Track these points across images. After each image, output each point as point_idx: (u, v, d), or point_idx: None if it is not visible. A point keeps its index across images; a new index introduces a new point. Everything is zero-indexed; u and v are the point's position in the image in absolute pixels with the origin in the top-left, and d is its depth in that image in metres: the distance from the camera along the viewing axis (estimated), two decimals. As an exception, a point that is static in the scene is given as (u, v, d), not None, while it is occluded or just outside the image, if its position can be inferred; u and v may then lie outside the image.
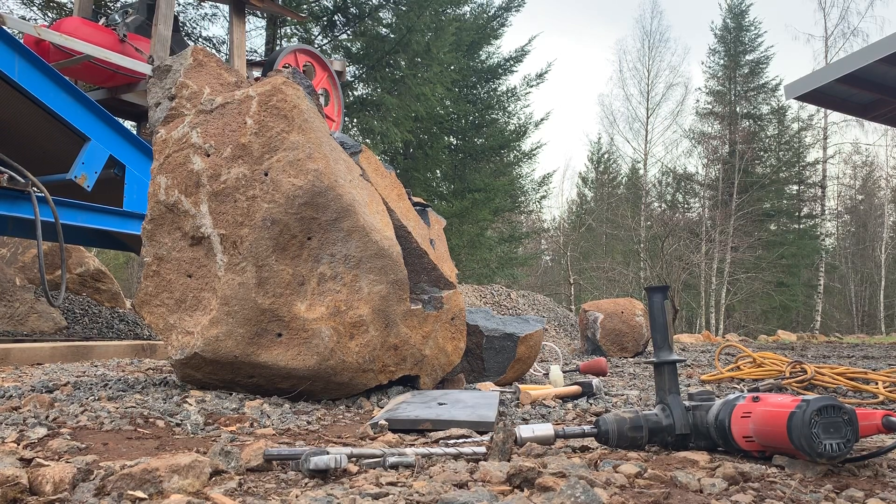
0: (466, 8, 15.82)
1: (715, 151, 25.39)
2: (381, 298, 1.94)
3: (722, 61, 26.67)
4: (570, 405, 2.02)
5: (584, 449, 1.35)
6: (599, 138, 36.68)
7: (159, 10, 4.58)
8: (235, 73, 2.10)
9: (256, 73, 5.98)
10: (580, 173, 34.35)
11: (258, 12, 10.68)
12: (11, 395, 1.88)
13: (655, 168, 27.45)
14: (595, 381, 2.23)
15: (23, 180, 3.37)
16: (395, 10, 11.98)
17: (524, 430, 1.31)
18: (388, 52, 11.54)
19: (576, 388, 2.18)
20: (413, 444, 1.39)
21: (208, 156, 1.90)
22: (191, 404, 1.71)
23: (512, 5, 16.29)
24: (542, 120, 17.26)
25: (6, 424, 1.39)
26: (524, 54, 16.50)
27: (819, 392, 2.58)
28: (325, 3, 11.72)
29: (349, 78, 11.56)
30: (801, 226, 26.84)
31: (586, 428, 1.33)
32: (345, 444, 1.37)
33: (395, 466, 1.15)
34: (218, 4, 10.49)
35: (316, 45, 11.38)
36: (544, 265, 30.97)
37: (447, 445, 1.33)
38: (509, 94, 16.67)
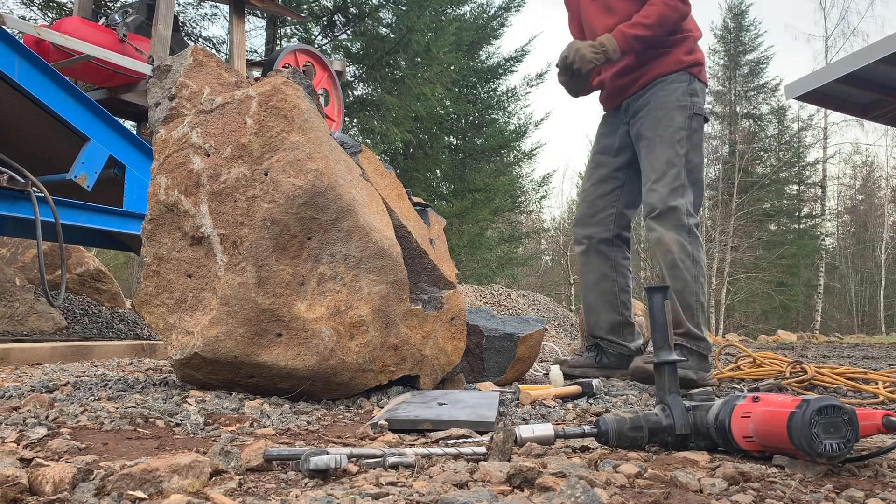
0: (466, 8, 15.81)
1: (715, 151, 25.40)
2: (381, 298, 1.94)
3: (722, 61, 26.67)
4: (570, 405, 2.02)
5: (584, 449, 1.35)
6: (599, 138, 36.58)
7: (159, 10, 4.59)
8: (235, 73, 2.10)
9: (256, 73, 5.98)
10: (580, 173, 34.29)
11: (258, 12, 10.68)
12: (11, 395, 1.88)
13: (655, 168, 27.39)
14: (595, 381, 2.23)
15: (23, 180, 3.37)
16: (395, 10, 11.98)
17: (524, 430, 1.31)
18: (388, 52, 11.54)
19: (576, 388, 2.18)
20: (413, 444, 1.39)
21: (208, 156, 1.90)
22: (191, 404, 1.71)
23: (512, 5, 16.28)
24: (542, 120, 17.26)
25: (6, 424, 1.39)
26: (524, 54, 16.49)
27: (819, 392, 2.58)
28: (325, 3, 11.72)
29: (349, 78, 11.56)
30: (801, 226, 26.85)
31: (586, 428, 1.33)
32: (345, 444, 1.37)
33: (395, 466, 1.15)
34: (218, 4, 10.49)
35: (316, 45, 11.37)
36: (544, 265, 30.97)
37: (447, 445, 1.32)
38: (509, 94, 16.67)
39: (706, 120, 2.67)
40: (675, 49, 2.65)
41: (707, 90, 2.81)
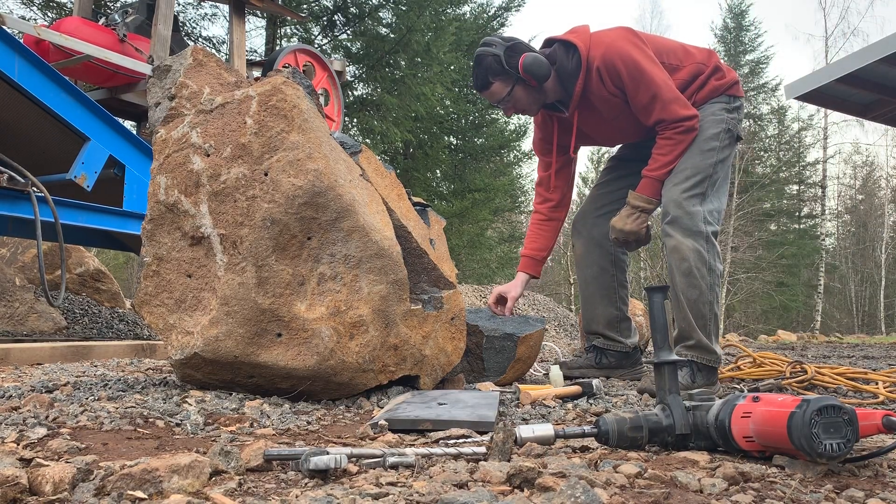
0: (466, 8, 15.82)
1: (715, 151, 25.32)
2: (381, 298, 1.94)
3: (722, 61, 26.67)
4: (570, 405, 2.02)
5: (584, 449, 1.35)
6: (599, 138, 36.59)
7: (159, 10, 4.59)
8: (235, 72, 2.10)
9: (256, 73, 5.98)
10: (580, 173, 34.29)
11: (258, 12, 10.68)
12: (11, 395, 1.88)
13: (655, 168, 27.38)
14: (595, 381, 2.23)
15: (23, 180, 3.37)
16: (395, 9, 11.97)
17: (524, 430, 1.31)
18: (388, 52, 11.54)
19: (576, 388, 2.18)
20: (413, 444, 1.39)
21: (208, 156, 1.90)
22: (191, 404, 1.71)
23: (512, 5, 16.28)
24: (542, 120, 17.22)
25: (6, 424, 1.39)
26: (524, 54, 16.44)
27: (819, 392, 2.58)
28: (325, 3, 11.73)
29: (349, 78, 11.56)
30: (801, 226, 26.86)
31: (586, 428, 1.33)
32: (345, 444, 1.37)
33: (395, 466, 1.15)
34: (218, 4, 10.49)
35: (316, 45, 11.37)
36: (544, 265, 30.94)
37: (447, 445, 1.33)
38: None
39: (739, 139, 2.62)
40: (708, 83, 2.62)
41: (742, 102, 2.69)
